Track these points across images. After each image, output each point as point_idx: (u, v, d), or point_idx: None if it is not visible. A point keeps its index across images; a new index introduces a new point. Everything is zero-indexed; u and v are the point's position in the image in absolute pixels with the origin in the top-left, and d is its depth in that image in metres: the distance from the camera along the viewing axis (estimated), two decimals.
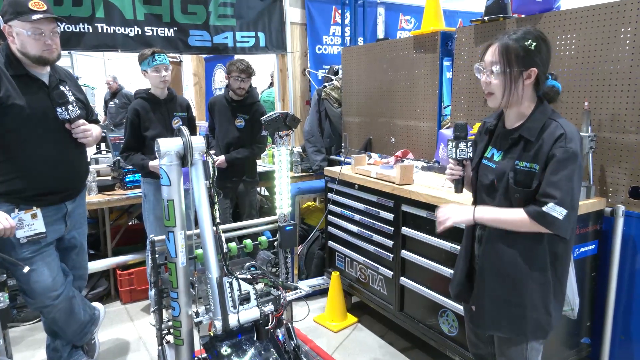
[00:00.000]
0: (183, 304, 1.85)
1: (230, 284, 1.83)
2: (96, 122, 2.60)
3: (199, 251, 1.89)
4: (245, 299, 1.87)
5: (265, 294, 1.98)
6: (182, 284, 1.83)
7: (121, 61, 9.51)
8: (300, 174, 4.11)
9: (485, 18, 2.67)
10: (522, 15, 2.54)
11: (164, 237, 1.88)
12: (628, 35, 2.04)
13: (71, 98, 2.25)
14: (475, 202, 1.74)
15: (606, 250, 2.20)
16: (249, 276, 1.90)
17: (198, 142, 1.78)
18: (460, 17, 5.64)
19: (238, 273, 1.90)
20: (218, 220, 1.83)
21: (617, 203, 2.15)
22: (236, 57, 3.99)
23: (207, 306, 1.89)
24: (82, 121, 2.23)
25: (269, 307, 1.91)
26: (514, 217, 1.51)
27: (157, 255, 2.03)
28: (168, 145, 1.73)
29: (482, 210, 1.59)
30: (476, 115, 2.79)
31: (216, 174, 1.87)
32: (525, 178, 1.52)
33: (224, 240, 1.84)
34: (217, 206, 1.84)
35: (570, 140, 1.45)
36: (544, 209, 1.45)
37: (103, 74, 9.78)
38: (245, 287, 1.88)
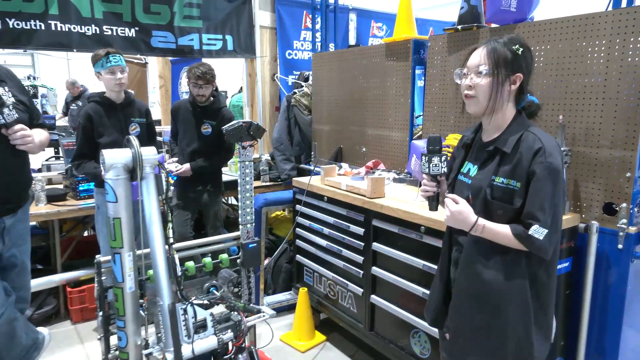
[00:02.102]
0: (131, 333, 1.66)
1: (185, 310, 1.66)
2: (42, 126, 2.38)
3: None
4: (201, 326, 1.71)
5: (225, 319, 1.82)
6: (130, 311, 1.64)
7: (84, 61, 9.11)
8: (268, 183, 3.94)
9: (459, 27, 2.60)
10: (496, 25, 2.48)
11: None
12: (602, 48, 2.00)
13: (9, 100, 2.04)
14: None
15: (580, 268, 2.14)
16: (205, 301, 1.73)
17: (149, 153, 1.61)
18: (431, 26, 5.63)
19: (194, 298, 1.74)
20: (171, 241, 1.66)
21: (591, 219, 2.10)
22: (204, 60, 3.82)
23: (159, 334, 1.71)
24: (19, 126, 2.01)
25: (228, 335, 1.75)
26: (506, 234, 1.43)
27: (104, 278, 1.84)
28: (114, 157, 1.55)
29: (481, 230, 1.46)
30: (449, 126, 2.72)
31: (170, 188, 1.70)
32: (503, 195, 1.44)
33: (177, 262, 1.67)
34: (170, 225, 1.67)
35: (550, 154, 1.38)
36: (530, 232, 1.38)
37: (66, 73, 9.35)
38: (202, 313, 1.71)
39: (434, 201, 1.62)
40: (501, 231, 1.43)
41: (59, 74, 9.48)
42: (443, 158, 1.55)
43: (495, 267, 1.47)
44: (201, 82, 3.07)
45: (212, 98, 3.23)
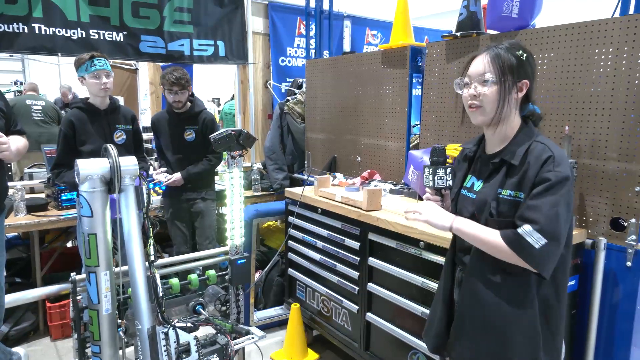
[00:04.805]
0: (107, 358, 1.53)
1: (166, 334, 1.53)
2: (20, 133, 2.25)
3: None
4: (184, 351, 1.57)
5: (210, 342, 1.69)
6: (107, 335, 1.51)
7: None
8: (259, 193, 3.82)
9: (458, 34, 2.52)
10: (496, 32, 2.40)
11: None
12: (610, 57, 1.92)
13: None
14: (454, 239, 1.53)
15: (586, 286, 2.04)
16: (189, 324, 1.60)
17: (129, 163, 1.49)
18: (427, 35, 5.57)
19: (176, 320, 1.61)
20: (152, 258, 1.53)
21: (598, 235, 2.00)
22: (195, 66, 3.71)
23: (138, 359, 1.58)
24: None
25: None
26: (492, 239, 1.31)
27: (79, 297, 1.70)
28: (90, 168, 1.43)
29: (462, 222, 1.38)
30: (446, 135, 2.62)
31: (151, 202, 1.57)
32: (510, 209, 1.33)
33: (159, 282, 1.54)
34: (151, 241, 1.54)
35: (559, 163, 1.28)
36: (519, 230, 1.25)
37: (56, 79, 9.17)
38: (185, 336, 1.58)
39: None
40: (485, 230, 1.33)
41: (50, 80, 9.30)
42: (448, 170, 1.44)
43: (501, 289, 1.36)
44: (176, 88, 2.96)
45: (189, 103, 3.12)
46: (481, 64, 1.37)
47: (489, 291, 1.37)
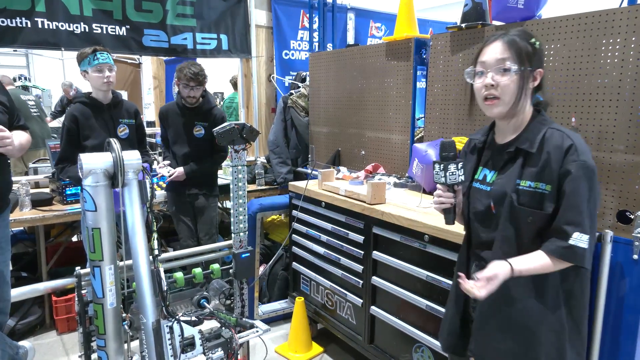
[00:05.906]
0: (112, 352, 1.53)
1: (171, 328, 1.53)
2: (23, 128, 2.25)
3: None
4: (189, 345, 1.58)
5: (215, 336, 1.69)
6: (111, 329, 1.51)
7: None
8: (263, 187, 3.82)
9: (463, 25, 2.49)
10: (502, 23, 2.37)
11: None
12: (617, 47, 1.89)
13: None
14: (469, 234, 1.50)
15: (592, 279, 2.02)
16: (193, 318, 1.60)
17: (132, 157, 1.48)
18: (431, 27, 5.53)
19: (181, 314, 1.61)
20: (156, 252, 1.53)
21: (604, 228, 1.98)
22: (198, 60, 3.70)
23: (143, 353, 1.58)
24: None
25: (218, 354, 1.62)
26: (541, 262, 1.27)
27: (84, 291, 1.71)
28: (93, 162, 1.42)
29: (515, 260, 1.29)
30: (451, 128, 2.60)
31: (155, 196, 1.57)
32: (531, 200, 1.29)
33: (163, 276, 1.54)
34: (155, 235, 1.54)
35: (583, 152, 1.25)
36: (571, 242, 1.23)
37: (60, 74, 9.19)
38: (190, 330, 1.58)
39: (451, 214, 1.44)
40: (537, 261, 1.26)
41: (54, 75, 9.32)
42: (460, 165, 1.38)
43: (524, 283, 1.32)
44: (193, 83, 2.94)
45: (201, 99, 3.11)
46: (498, 50, 1.30)
47: (512, 285, 1.31)
